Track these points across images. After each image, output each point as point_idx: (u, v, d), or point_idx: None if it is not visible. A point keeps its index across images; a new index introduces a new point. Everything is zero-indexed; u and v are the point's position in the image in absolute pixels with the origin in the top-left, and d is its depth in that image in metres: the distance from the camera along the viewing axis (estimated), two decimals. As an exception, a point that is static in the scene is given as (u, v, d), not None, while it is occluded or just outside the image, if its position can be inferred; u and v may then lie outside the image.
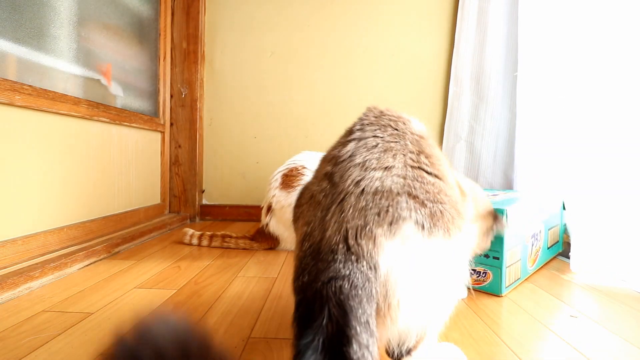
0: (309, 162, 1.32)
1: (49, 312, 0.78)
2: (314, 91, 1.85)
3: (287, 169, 1.33)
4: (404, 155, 0.49)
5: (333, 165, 0.50)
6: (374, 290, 0.41)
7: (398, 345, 0.54)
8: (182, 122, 1.82)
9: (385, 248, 0.43)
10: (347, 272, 0.41)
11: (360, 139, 0.50)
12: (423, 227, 0.44)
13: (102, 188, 1.30)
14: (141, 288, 0.93)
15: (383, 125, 0.53)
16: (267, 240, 1.33)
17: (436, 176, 0.49)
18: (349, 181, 0.46)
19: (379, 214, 0.44)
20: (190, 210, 1.83)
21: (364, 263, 0.42)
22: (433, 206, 0.45)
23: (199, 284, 0.96)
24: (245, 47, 1.85)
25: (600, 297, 0.93)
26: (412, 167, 0.48)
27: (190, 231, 1.36)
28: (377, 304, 0.42)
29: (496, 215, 0.72)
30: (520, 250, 0.98)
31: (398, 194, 0.45)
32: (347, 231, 0.43)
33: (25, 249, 0.97)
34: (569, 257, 1.15)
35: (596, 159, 1.09)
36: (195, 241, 1.35)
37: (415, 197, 0.45)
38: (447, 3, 1.79)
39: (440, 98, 1.81)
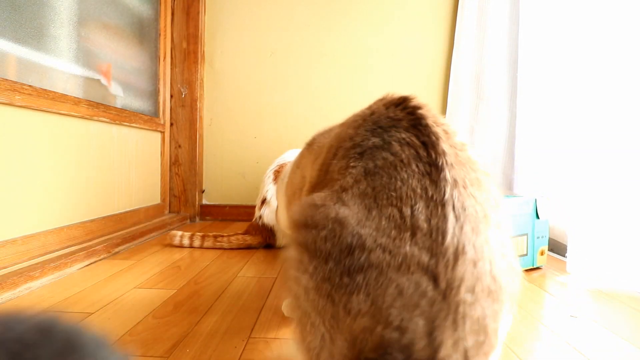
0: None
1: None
2: (314, 91, 1.85)
3: (277, 165, 1.43)
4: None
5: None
6: None
7: None
8: (182, 122, 1.82)
9: None
10: None
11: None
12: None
13: (102, 188, 1.30)
14: (141, 288, 0.93)
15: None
16: (260, 233, 1.33)
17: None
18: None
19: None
20: (190, 210, 1.83)
21: None
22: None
23: (199, 284, 0.96)
24: (245, 47, 1.85)
25: (600, 297, 0.93)
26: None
27: (179, 233, 1.33)
28: None
29: None
30: None
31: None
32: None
33: (25, 249, 0.97)
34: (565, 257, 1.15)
35: (595, 159, 1.09)
36: (186, 241, 1.32)
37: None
38: (447, 3, 1.79)
39: (440, 98, 1.81)
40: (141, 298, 0.86)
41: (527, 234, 1.09)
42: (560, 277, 1.08)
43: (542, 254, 1.13)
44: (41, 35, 1.04)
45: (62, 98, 1.09)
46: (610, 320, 0.79)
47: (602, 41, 1.09)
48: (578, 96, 1.17)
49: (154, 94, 1.71)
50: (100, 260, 1.14)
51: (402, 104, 0.45)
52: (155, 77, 1.71)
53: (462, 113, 1.73)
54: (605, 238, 1.06)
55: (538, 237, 1.12)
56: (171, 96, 1.82)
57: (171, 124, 1.81)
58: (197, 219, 1.86)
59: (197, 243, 1.32)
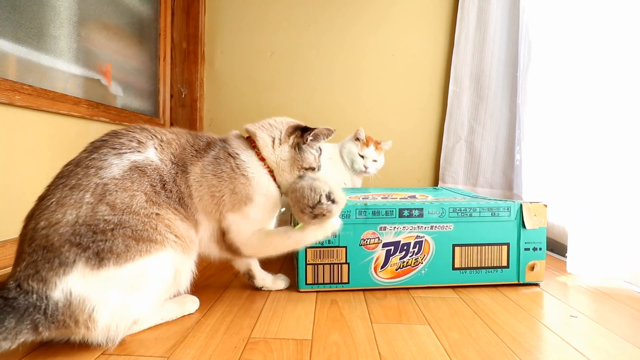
0: None
1: (49, 312, 0.78)
2: (314, 91, 1.85)
3: None
4: None
5: None
6: None
7: None
8: (182, 122, 1.82)
9: None
10: None
11: None
12: None
13: (102, 188, 1.30)
14: (141, 288, 0.92)
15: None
16: None
17: None
18: None
19: None
20: (190, 210, 1.83)
21: None
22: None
23: (199, 285, 0.96)
24: (245, 47, 1.85)
25: (600, 297, 0.93)
26: None
27: None
28: None
29: None
30: (350, 253, 0.92)
31: None
32: None
33: (25, 249, 0.97)
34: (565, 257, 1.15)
35: (594, 160, 1.09)
36: None
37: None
38: (447, 3, 1.79)
39: (440, 98, 1.81)
40: (141, 298, 0.86)
41: (508, 244, 0.97)
42: (560, 277, 1.08)
43: (531, 269, 0.98)
44: (41, 35, 1.04)
45: (62, 98, 1.09)
46: (610, 320, 0.79)
47: (604, 41, 1.09)
48: (578, 96, 1.17)
49: (154, 94, 1.71)
50: (100, 260, 1.14)
51: None
52: (155, 77, 1.71)
53: (462, 113, 1.73)
54: (605, 238, 1.06)
55: (527, 249, 0.98)
56: (171, 96, 1.82)
57: (171, 124, 1.81)
58: (197, 219, 1.86)
59: None
